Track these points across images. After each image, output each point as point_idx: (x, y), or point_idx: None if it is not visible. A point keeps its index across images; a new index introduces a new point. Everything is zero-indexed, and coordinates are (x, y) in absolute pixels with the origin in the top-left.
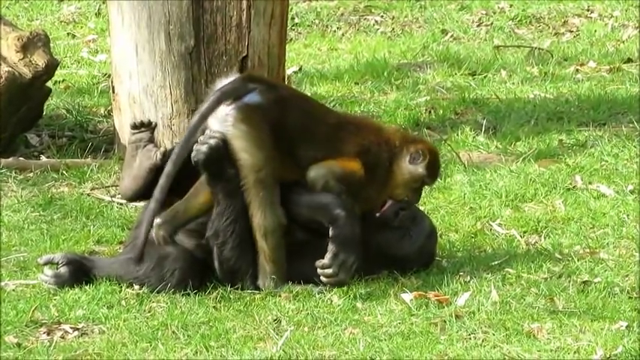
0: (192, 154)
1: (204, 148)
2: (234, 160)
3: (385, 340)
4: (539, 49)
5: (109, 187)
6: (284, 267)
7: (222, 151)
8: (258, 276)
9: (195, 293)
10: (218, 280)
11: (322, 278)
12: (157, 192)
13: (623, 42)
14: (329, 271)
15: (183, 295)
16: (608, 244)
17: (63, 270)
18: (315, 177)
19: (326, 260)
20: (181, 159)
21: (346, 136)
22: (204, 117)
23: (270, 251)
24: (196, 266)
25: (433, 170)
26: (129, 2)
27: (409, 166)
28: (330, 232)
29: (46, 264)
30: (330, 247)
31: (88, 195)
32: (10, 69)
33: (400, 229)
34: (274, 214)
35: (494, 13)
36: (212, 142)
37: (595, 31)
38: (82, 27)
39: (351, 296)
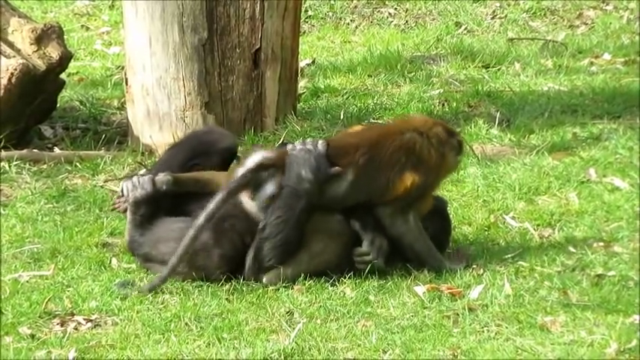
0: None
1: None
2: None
3: (398, 332)
4: (553, 41)
5: (122, 179)
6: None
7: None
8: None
9: (208, 285)
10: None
11: (359, 265)
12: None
13: (639, 34)
14: (368, 257)
15: (196, 287)
16: (622, 237)
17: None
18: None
19: (364, 248)
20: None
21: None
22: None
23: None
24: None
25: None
26: None
27: (454, 158)
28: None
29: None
30: (366, 236)
31: (102, 187)
32: (25, 61)
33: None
34: None
35: (509, 5)
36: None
37: (610, 23)
38: (95, 19)
39: (364, 289)
